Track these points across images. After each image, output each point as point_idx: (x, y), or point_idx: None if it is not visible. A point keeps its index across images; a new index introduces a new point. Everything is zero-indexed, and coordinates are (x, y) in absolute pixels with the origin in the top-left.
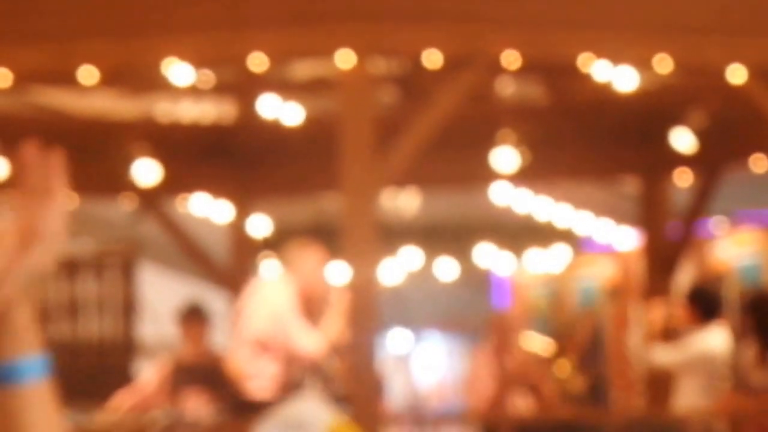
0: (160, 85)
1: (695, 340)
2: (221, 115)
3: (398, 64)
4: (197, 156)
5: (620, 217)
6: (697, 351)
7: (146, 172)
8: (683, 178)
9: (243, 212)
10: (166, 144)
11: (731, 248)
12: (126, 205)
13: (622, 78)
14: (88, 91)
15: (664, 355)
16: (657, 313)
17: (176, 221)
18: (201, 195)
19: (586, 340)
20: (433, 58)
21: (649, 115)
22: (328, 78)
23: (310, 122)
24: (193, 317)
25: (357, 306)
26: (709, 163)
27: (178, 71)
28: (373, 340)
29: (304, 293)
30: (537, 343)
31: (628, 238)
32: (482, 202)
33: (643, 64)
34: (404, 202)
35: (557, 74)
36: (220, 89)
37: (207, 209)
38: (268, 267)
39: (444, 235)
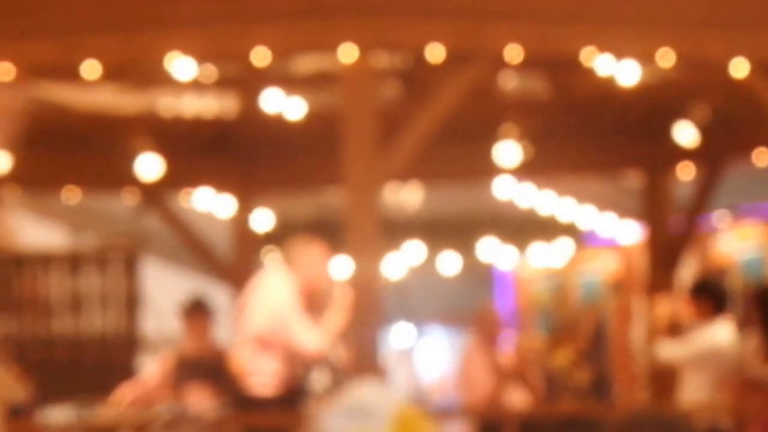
0: (163, 80)
1: (702, 335)
2: (224, 110)
3: (401, 58)
4: (200, 150)
5: (623, 211)
6: (705, 345)
7: (149, 166)
8: (686, 172)
9: (246, 207)
10: (169, 138)
11: (734, 242)
12: (129, 199)
13: (624, 72)
14: (91, 86)
15: (671, 351)
16: (662, 308)
17: (179, 216)
18: (204, 189)
19: (589, 334)
20: (435, 53)
21: (652, 109)
22: (330, 72)
23: (313, 117)
24: (196, 312)
25: (360, 300)
26: (712, 157)
27: (181, 66)
28: (375, 335)
29: (306, 288)
30: (528, 336)
31: (631, 232)
32: (485, 196)
33: (645, 58)
34: (407, 196)
35: (560, 69)
36: (223, 84)
37: (210, 204)
38: (271, 262)
39: (447, 230)
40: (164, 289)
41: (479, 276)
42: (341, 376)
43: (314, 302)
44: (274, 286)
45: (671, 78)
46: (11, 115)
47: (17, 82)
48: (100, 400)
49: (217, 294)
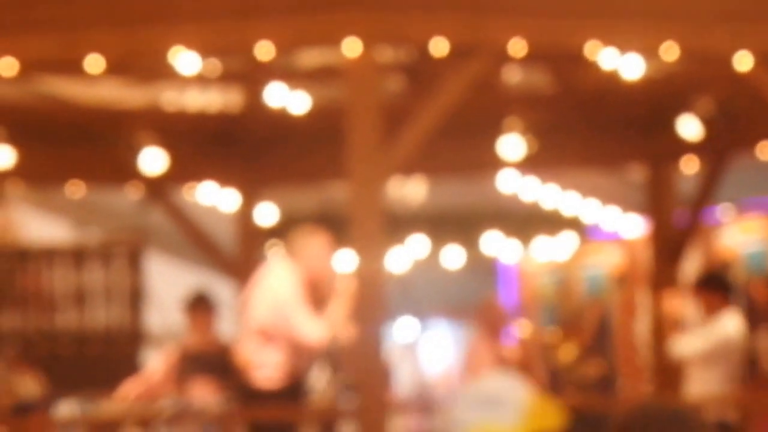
0: (166, 74)
1: (717, 328)
2: (228, 104)
3: (405, 52)
4: (204, 145)
5: (627, 205)
6: (720, 338)
7: (153, 161)
8: (690, 166)
9: (250, 201)
10: (173, 133)
11: (738, 235)
12: (133, 194)
13: (628, 66)
14: (95, 80)
15: (689, 345)
16: (671, 303)
17: (183, 210)
18: (208, 184)
19: (593, 328)
20: (439, 47)
21: (656, 102)
22: (334, 66)
23: (317, 111)
24: (200, 306)
25: (364, 294)
26: (716, 150)
27: (185, 60)
28: (379, 329)
29: (310, 279)
30: (532, 329)
31: (634, 226)
32: (489, 190)
33: (649, 51)
34: (411, 190)
35: (564, 62)
36: (227, 78)
37: (214, 198)
38: (275, 255)
39: (451, 223)
40: (168, 283)
41: (483, 270)
42: (342, 369)
43: (318, 294)
44: (276, 278)
45: (675, 71)
46: None
47: (20, 76)
48: (104, 394)
49: (221, 288)
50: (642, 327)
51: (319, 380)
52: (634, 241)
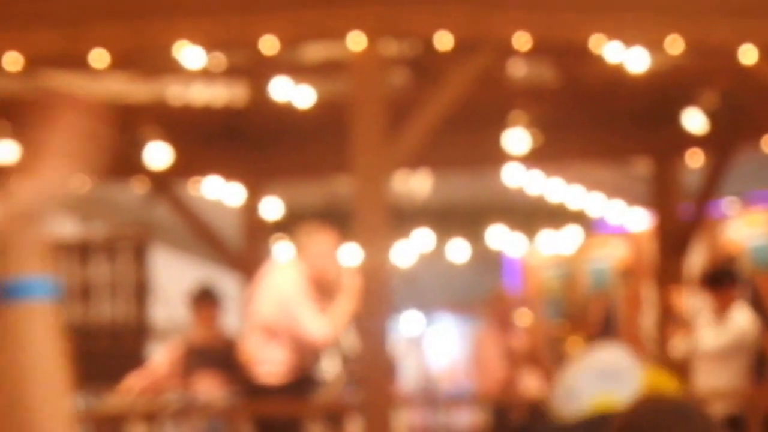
0: (171, 69)
1: (735, 321)
2: (233, 98)
3: (410, 46)
4: (209, 139)
5: (632, 198)
6: (738, 333)
7: (158, 155)
8: (695, 159)
9: (255, 195)
10: (178, 127)
11: (743, 228)
12: (138, 188)
13: (633, 59)
14: (100, 75)
15: (713, 340)
16: (683, 299)
17: (188, 204)
18: (213, 178)
19: (598, 321)
20: (444, 40)
21: (661, 96)
22: (339, 60)
23: (322, 105)
24: (205, 300)
25: (369, 288)
26: (721, 143)
27: (190, 54)
28: (384, 323)
29: (315, 276)
30: (541, 321)
31: (640, 219)
32: (494, 183)
33: (654, 45)
34: (416, 184)
35: (569, 56)
36: (232, 72)
37: (219, 192)
38: (280, 250)
39: (456, 217)
40: (173, 278)
41: (488, 263)
42: (352, 363)
43: (324, 290)
44: (282, 274)
45: (680, 65)
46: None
47: (25, 71)
48: (109, 388)
49: (226, 282)
50: (647, 320)
51: (327, 374)
52: (639, 235)
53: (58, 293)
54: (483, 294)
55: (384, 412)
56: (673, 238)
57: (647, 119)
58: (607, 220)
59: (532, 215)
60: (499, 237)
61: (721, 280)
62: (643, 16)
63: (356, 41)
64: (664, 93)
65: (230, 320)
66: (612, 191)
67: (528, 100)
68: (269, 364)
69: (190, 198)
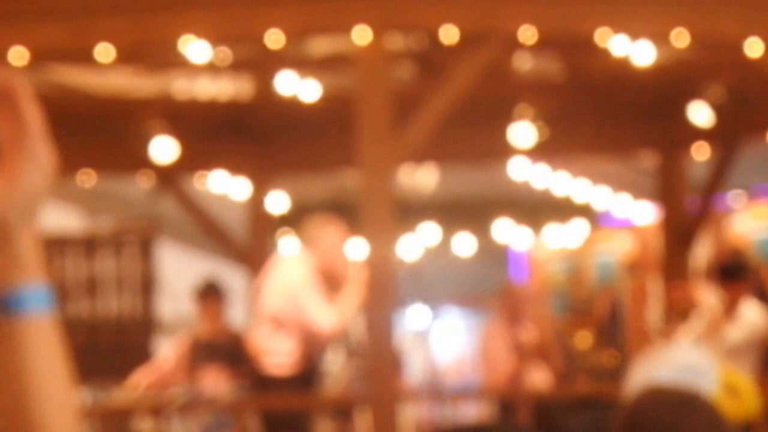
0: (177, 63)
1: (747, 317)
2: (239, 92)
3: (415, 40)
4: (215, 133)
5: (638, 192)
6: (754, 326)
7: (164, 149)
8: (701, 152)
9: (261, 189)
10: (184, 121)
11: (749, 222)
12: (144, 182)
13: (639, 52)
14: (105, 69)
15: (736, 335)
16: (681, 292)
17: (194, 198)
18: (219, 172)
19: (604, 315)
20: (450, 34)
21: (667, 89)
22: (345, 54)
23: (328, 99)
24: (210, 294)
25: (375, 282)
26: (727, 136)
27: (196, 48)
28: (390, 316)
29: (323, 268)
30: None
31: (646, 213)
32: (500, 177)
33: (660, 38)
34: (422, 177)
35: (574, 49)
36: (238, 66)
37: (225, 186)
38: (286, 244)
39: (462, 211)
40: (180, 272)
41: (494, 257)
42: (360, 355)
43: (331, 282)
44: (290, 267)
45: (686, 58)
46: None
47: (31, 65)
48: (116, 383)
49: (232, 276)
50: (653, 314)
51: (334, 366)
52: (646, 228)
53: (53, 303)
54: (489, 288)
55: (390, 406)
56: (679, 232)
57: (653, 112)
58: (613, 214)
59: (538, 209)
60: (505, 231)
61: (734, 273)
62: (649, 9)
63: (362, 35)
64: (670, 86)
65: (236, 314)
66: (618, 185)
67: (534, 94)
68: (277, 355)
69: (196, 192)
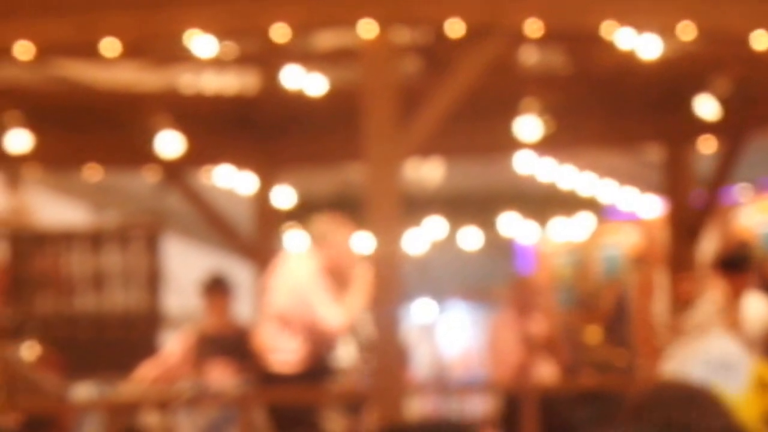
0: (183, 57)
1: (752, 310)
2: (245, 87)
3: (421, 33)
4: (221, 127)
5: (644, 185)
6: (758, 320)
7: (170, 144)
8: (707, 146)
9: (267, 183)
10: (190, 116)
11: (755, 215)
12: (150, 177)
13: (645, 46)
14: (111, 64)
15: (756, 328)
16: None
17: (200, 193)
18: (225, 166)
19: (610, 308)
20: (455, 28)
21: (673, 82)
22: (351, 48)
23: (334, 93)
24: (217, 289)
25: (381, 276)
26: (733, 130)
27: (201, 43)
28: (397, 310)
29: (331, 266)
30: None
31: (652, 206)
32: (506, 171)
33: (666, 31)
34: (428, 171)
35: (580, 43)
36: (244, 60)
37: (231, 181)
38: (292, 238)
39: (468, 205)
40: (186, 266)
41: (501, 251)
42: (369, 351)
43: (339, 279)
44: (297, 264)
45: (692, 51)
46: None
47: (36, 60)
48: (122, 377)
49: (238, 271)
50: (659, 307)
51: (343, 362)
52: (652, 222)
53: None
54: (495, 281)
55: (397, 400)
56: (685, 225)
57: (659, 106)
58: (620, 207)
59: (545, 202)
60: (511, 224)
61: (738, 264)
62: (655, 1)
63: (368, 29)
64: (676, 79)
65: (242, 309)
66: (624, 178)
67: (540, 87)
68: (283, 353)
69: (202, 187)
